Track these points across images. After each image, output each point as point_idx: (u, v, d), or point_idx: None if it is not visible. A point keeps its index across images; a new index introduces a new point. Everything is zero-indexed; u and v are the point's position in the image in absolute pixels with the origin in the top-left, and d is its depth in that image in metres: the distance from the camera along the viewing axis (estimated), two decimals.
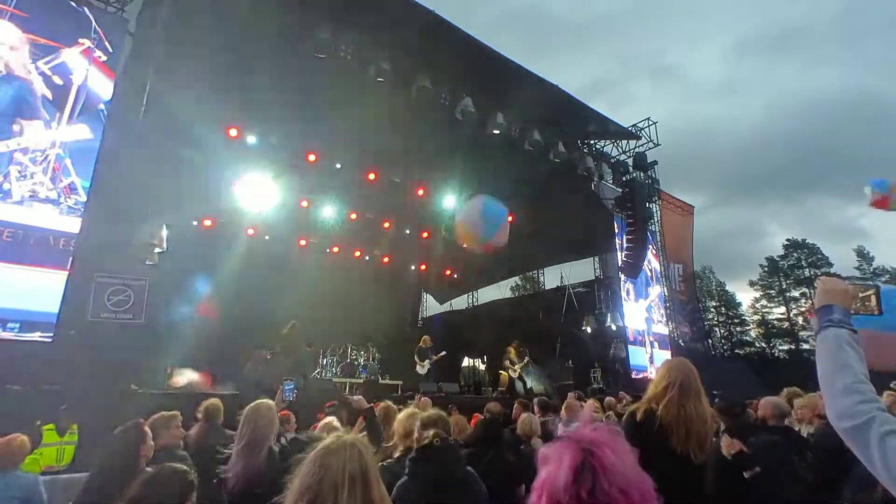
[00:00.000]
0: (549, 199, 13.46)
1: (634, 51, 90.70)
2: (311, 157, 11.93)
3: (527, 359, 12.06)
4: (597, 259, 14.20)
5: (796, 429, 3.70)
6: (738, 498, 2.68)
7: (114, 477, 2.10)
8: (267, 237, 14.55)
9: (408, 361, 11.97)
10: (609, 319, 13.25)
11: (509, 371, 11.95)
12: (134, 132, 6.98)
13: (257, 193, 11.84)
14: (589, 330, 13.32)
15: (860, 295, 1.34)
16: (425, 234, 16.23)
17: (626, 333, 13.36)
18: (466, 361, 15.01)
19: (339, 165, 12.44)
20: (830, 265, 40.85)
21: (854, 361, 1.13)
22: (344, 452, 1.28)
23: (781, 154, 70.42)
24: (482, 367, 14.98)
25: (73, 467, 4.89)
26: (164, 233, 7.03)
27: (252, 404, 2.67)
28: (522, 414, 4.16)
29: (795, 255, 42.61)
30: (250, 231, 14.27)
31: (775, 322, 41.96)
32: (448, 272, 18.25)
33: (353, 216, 14.64)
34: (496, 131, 10.58)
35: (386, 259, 17.35)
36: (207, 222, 13.26)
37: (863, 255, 40.24)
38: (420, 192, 13.87)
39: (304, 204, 13.74)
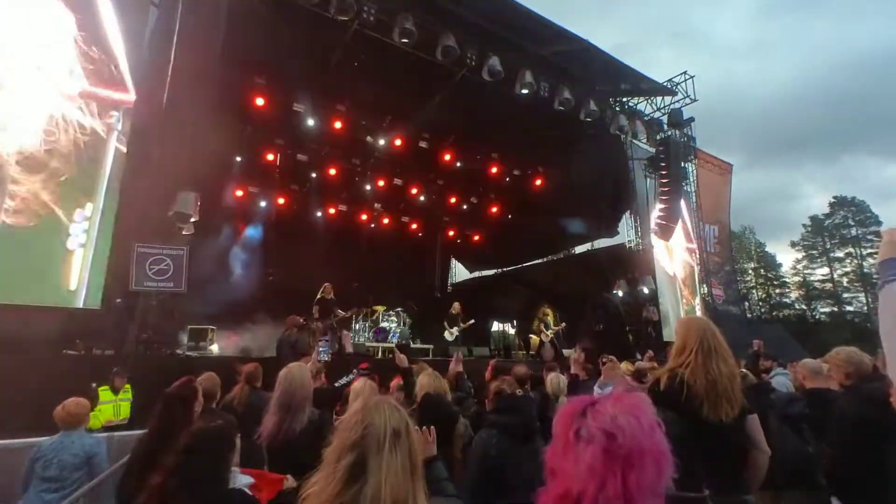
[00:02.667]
0: (580, 161, 13.11)
1: (656, 15, 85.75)
2: (338, 125, 11.92)
3: (564, 324, 12.05)
4: (630, 220, 13.84)
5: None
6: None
7: (169, 429, 2.24)
8: (296, 206, 14.79)
9: (438, 327, 12.16)
10: (641, 283, 13.01)
11: (541, 335, 11.96)
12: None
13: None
14: (620, 294, 13.13)
15: None
16: (453, 200, 16.15)
17: (658, 296, 13.15)
18: (496, 326, 15.10)
19: (368, 137, 12.48)
20: (879, 223, 38.75)
21: None
22: (384, 409, 1.32)
23: (816, 113, 66.48)
24: (512, 331, 15.06)
25: (130, 424, 5.24)
26: (197, 203, 7.20)
27: (285, 368, 2.77)
28: (550, 374, 4.24)
29: (842, 213, 40.53)
30: (281, 200, 14.52)
31: (817, 284, 40.47)
32: (477, 238, 18.21)
33: (381, 183, 14.66)
34: (524, 91, 10.25)
35: (414, 226, 17.42)
36: (239, 192, 13.53)
37: None
38: (447, 158, 13.73)
39: (333, 172, 13.83)
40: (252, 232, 14.09)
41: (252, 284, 12.91)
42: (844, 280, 39.26)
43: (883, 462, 2.33)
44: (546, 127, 12.09)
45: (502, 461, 2.40)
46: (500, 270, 18.39)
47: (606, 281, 13.51)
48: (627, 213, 13.84)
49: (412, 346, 11.67)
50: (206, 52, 7.32)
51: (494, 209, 16.61)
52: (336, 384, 4.50)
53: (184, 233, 7.33)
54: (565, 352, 11.67)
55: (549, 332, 11.68)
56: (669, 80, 14.12)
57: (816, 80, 70.26)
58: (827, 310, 39.57)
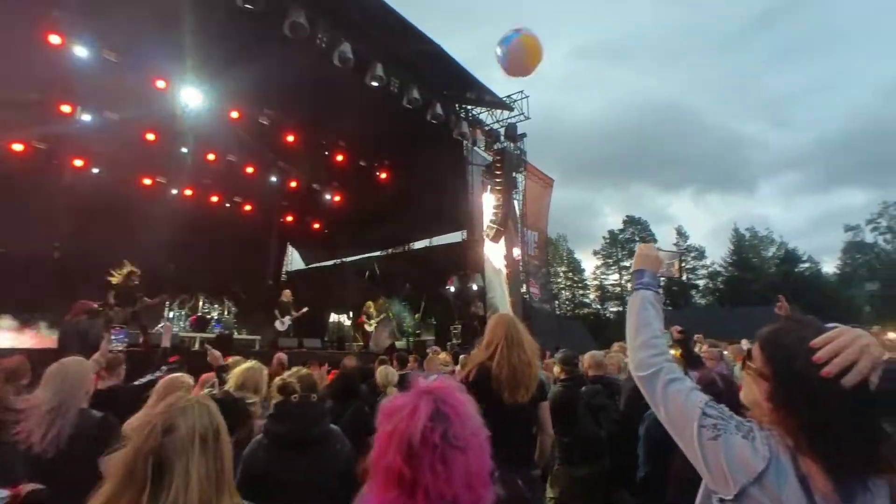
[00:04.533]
0: (424, 161, 13.57)
1: (491, 41, 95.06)
2: (161, 83, 10.41)
3: (385, 314, 12.33)
4: (465, 220, 14.79)
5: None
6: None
7: None
8: (98, 170, 12.56)
9: (268, 316, 11.46)
10: (472, 280, 14.02)
11: (365, 325, 12.13)
12: None
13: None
14: (453, 289, 13.97)
15: (666, 261, 1.56)
16: (294, 184, 15.37)
17: (487, 292, 14.32)
18: (333, 317, 14.81)
19: (198, 101, 11.06)
20: (656, 240, 47.84)
21: (654, 319, 1.29)
22: (192, 411, 1.19)
23: (614, 146, 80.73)
24: (348, 322, 14.94)
25: None
26: None
27: (57, 362, 2.33)
28: (380, 367, 4.27)
29: (631, 230, 49.19)
30: (78, 162, 12.17)
31: (609, 287, 48.30)
32: (317, 225, 17.61)
33: (211, 157, 13.24)
34: (375, 83, 10.23)
35: (248, 207, 16.14)
36: (17, 146, 10.98)
37: (681, 233, 47.82)
38: (290, 139, 13.00)
39: (151, 137, 12.03)
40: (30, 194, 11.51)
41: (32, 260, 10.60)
42: (629, 285, 47.57)
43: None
44: (394, 123, 12.23)
45: (266, 472, 2.19)
46: (339, 261, 18.07)
47: (441, 276, 14.25)
48: (464, 214, 14.77)
49: (236, 336, 10.81)
50: None
51: (337, 198, 16.24)
52: (137, 382, 3.95)
53: None
54: (397, 344, 12.01)
55: (371, 323, 11.91)
56: (508, 97, 15.42)
57: (616, 118, 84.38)
58: (615, 309, 47.48)
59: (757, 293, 35.93)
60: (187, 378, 2.97)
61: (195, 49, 9.46)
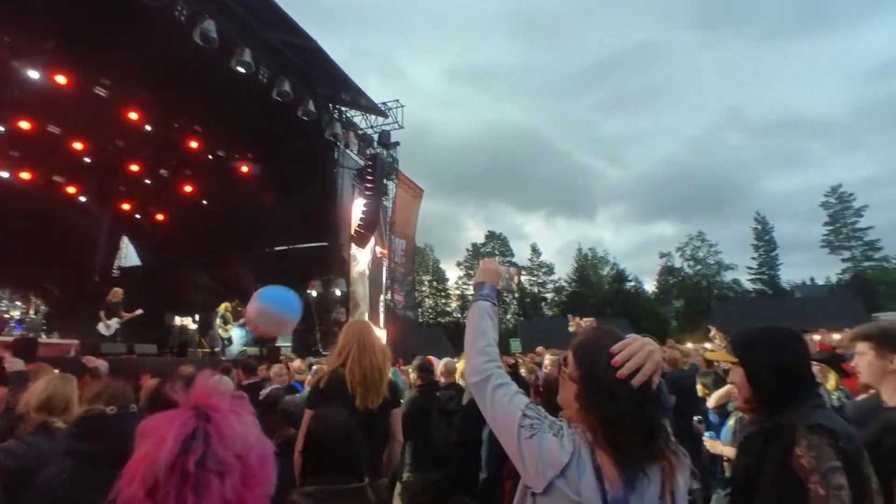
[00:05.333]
0: (293, 158, 12.92)
1: (375, 48, 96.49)
2: None
3: (242, 319, 11.45)
4: (329, 226, 14.35)
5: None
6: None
7: None
8: None
9: (91, 318, 9.85)
10: (335, 285, 13.65)
11: (219, 331, 11.16)
12: None
13: None
14: (314, 294, 13.44)
15: (506, 276, 1.68)
16: (135, 168, 13.53)
17: (350, 298, 14.07)
18: (177, 320, 13.23)
19: (13, 60, 9.16)
20: (513, 255, 51.72)
21: (489, 329, 1.38)
22: None
23: (477, 166, 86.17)
24: (194, 326, 13.48)
25: None
26: None
27: None
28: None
29: (492, 244, 52.39)
30: None
31: (471, 297, 50.69)
32: (161, 217, 15.69)
33: (26, 125, 11.07)
34: (240, 69, 9.49)
35: (73, 189, 13.80)
36: None
37: (535, 250, 52.33)
38: (133, 116, 11.43)
39: None
40: None
41: None
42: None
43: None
44: (261, 115, 11.48)
45: (71, 498, 1.86)
46: (186, 258, 16.28)
47: (304, 280, 13.63)
48: (331, 217, 14.36)
49: (45, 340, 9.10)
50: None
51: (188, 188, 14.68)
52: None
53: None
54: (249, 350, 11.19)
55: (228, 328, 11.02)
56: (384, 104, 15.46)
57: (480, 139, 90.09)
58: None
59: (593, 306, 40.83)
60: None
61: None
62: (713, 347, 5.01)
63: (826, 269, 45.65)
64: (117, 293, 9.78)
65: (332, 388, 2.25)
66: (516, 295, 40.50)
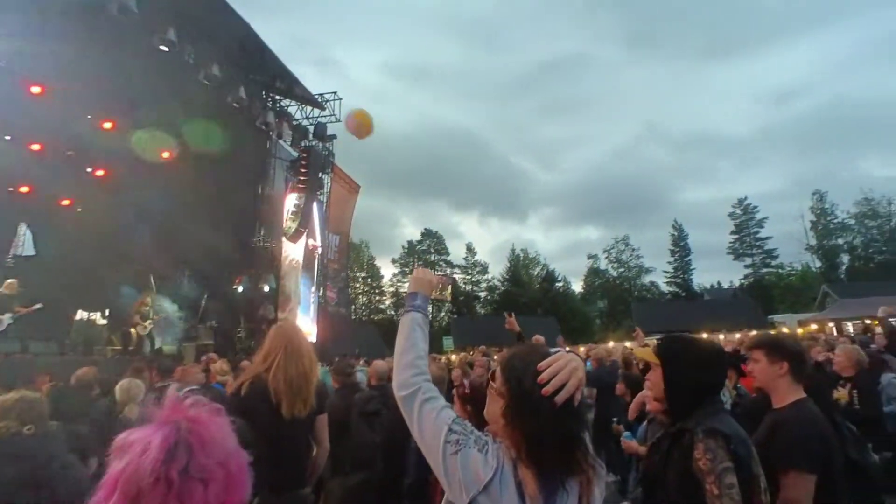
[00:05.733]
0: (221, 146, 12.21)
1: (306, 36, 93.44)
2: None
3: (163, 314, 10.72)
4: (258, 219, 13.73)
5: None
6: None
7: None
8: None
9: None
10: (263, 280, 13.10)
11: (138, 328, 10.36)
12: None
13: None
14: (241, 290, 12.84)
15: (440, 285, 1.66)
16: (36, 147, 12.22)
17: (280, 295, 13.58)
18: (81, 314, 12.07)
19: None
20: (448, 253, 52.16)
21: (420, 341, 1.36)
22: None
23: (414, 163, 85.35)
24: (102, 322, 12.38)
25: None
26: None
27: None
28: (123, 380, 3.53)
29: (428, 242, 52.51)
30: None
31: (404, 294, 50.62)
32: (67, 202, 14.26)
33: None
34: (164, 48, 8.87)
35: None
36: None
37: (470, 249, 53.07)
38: (35, 90, 10.31)
39: None
40: None
41: None
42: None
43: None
44: (187, 98, 10.77)
45: None
46: (97, 247, 14.93)
47: (229, 275, 12.97)
48: (261, 209, 13.77)
49: None
50: None
51: (101, 172, 13.45)
52: None
53: None
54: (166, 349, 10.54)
55: (146, 325, 10.27)
56: (321, 95, 15.04)
57: (418, 137, 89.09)
58: None
59: (525, 305, 42.13)
60: None
61: None
62: (633, 346, 5.34)
63: (731, 274, 50.05)
64: (11, 285, 8.81)
65: (253, 396, 2.13)
66: (448, 305, 40.86)
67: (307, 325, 14.67)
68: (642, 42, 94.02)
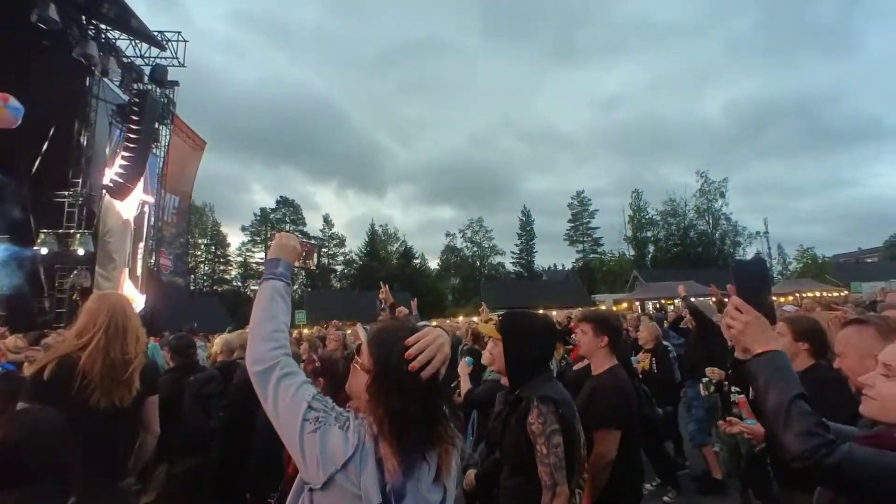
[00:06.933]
0: (21, 76, 9.88)
1: None
2: None
3: None
4: (71, 169, 11.50)
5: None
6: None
7: None
8: None
9: None
10: (77, 242, 11.08)
11: None
12: None
13: None
14: (44, 251, 10.69)
15: (304, 252, 1.53)
16: None
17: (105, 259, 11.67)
18: None
19: None
20: (305, 224, 49.93)
21: (280, 312, 1.24)
22: None
23: (268, 123, 79.28)
24: None
25: None
26: None
27: None
28: None
29: (283, 210, 49.55)
30: None
31: (255, 264, 47.35)
32: None
33: None
34: None
35: None
36: None
37: (327, 221, 51.45)
38: None
39: None
40: None
41: None
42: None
43: None
44: None
45: None
46: None
47: (28, 232, 10.72)
48: (77, 159, 11.57)
49: None
50: None
51: None
52: None
53: None
54: None
55: None
56: (161, 33, 13.06)
57: (272, 98, 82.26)
58: (257, 288, 46.78)
59: (383, 279, 42.27)
60: None
61: None
62: (480, 320, 5.74)
63: (565, 258, 56.28)
64: None
65: (59, 379, 1.78)
66: (302, 277, 39.11)
67: (133, 293, 12.90)
68: (500, 34, 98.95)
